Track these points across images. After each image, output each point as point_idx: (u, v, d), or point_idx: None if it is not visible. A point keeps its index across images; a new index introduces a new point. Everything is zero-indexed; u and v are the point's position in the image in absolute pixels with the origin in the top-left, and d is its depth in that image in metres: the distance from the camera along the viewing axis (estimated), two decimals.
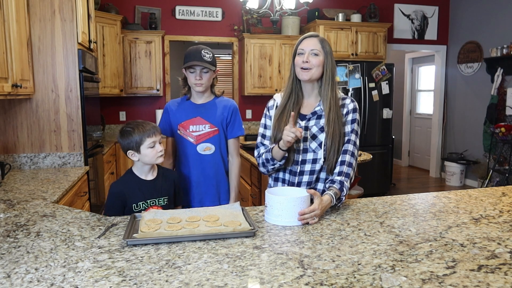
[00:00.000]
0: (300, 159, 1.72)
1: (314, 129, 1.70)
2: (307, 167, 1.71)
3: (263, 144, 1.80)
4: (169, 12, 5.41)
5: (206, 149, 2.09)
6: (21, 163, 2.74)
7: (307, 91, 1.75)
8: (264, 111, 1.84)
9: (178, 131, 2.11)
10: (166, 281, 1.01)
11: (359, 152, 1.74)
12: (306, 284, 0.99)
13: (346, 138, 1.69)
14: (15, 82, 2.25)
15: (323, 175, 1.73)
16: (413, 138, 7.63)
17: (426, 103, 7.31)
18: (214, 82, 2.13)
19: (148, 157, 1.76)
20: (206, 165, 2.10)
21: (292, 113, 1.60)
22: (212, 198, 2.13)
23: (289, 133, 1.56)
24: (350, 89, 5.25)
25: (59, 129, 2.79)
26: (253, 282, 1.01)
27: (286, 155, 1.69)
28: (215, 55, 2.12)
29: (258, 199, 3.27)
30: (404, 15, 6.23)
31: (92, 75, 3.25)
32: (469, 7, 6.04)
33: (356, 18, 5.57)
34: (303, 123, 1.72)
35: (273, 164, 1.73)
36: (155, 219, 1.44)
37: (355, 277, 1.03)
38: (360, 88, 5.28)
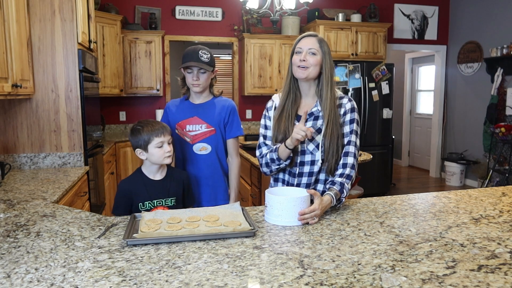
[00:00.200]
0: (298, 161, 1.72)
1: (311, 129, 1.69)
2: (306, 168, 1.71)
3: (266, 145, 1.80)
4: (169, 12, 5.41)
5: (202, 149, 2.09)
6: (21, 163, 2.74)
7: (304, 90, 1.75)
8: (264, 112, 1.84)
9: (176, 131, 2.12)
10: (166, 281, 1.01)
11: (359, 152, 1.73)
12: (306, 284, 0.99)
13: (346, 139, 1.68)
14: (15, 82, 2.25)
15: (322, 176, 1.72)
16: (413, 138, 7.63)
17: (426, 103, 7.31)
18: (213, 82, 2.13)
19: (155, 156, 1.76)
20: (202, 165, 2.10)
21: (305, 111, 1.64)
22: (208, 198, 2.13)
23: (300, 131, 1.57)
24: (350, 89, 5.25)
25: (59, 129, 2.79)
26: (253, 282, 1.01)
27: (291, 154, 1.68)
28: (215, 55, 2.12)
29: (258, 199, 3.27)
30: (404, 15, 6.23)
31: (92, 75, 3.25)
32: (469, 7, 6.04)
33: (356, 18, 5.57)
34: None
35: (279, 164, 1.71)
36: (155, 219, 1.44)
37: (355, 277, 1.03)
38: (360, 88, 5.28)
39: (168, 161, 1.78)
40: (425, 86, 7.35)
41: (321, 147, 1.67)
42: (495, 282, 1.00)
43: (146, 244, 1.26)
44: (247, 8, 4.37)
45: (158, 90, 5.19)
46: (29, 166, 2.76)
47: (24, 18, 2.50)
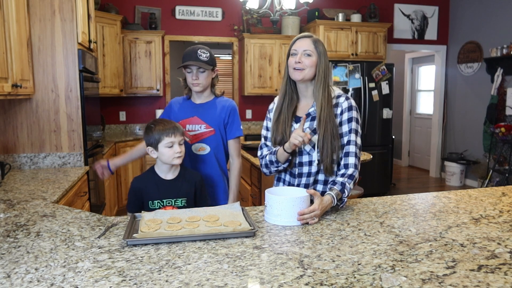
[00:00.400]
0: (297, 161, 1.72)
1: (308, 131, 1.69)
2: (304, 169, 1.71)
3: (267, 146, 1.82)
4: (169, 12, 5.42)
5: (200, 149, 2.09)
6: (21, 163, 2.74)
7: (301, 91, 1.75)
8: (266, 114, 1.87)
9: None
10: (166, 281, 1.01)
11: (361, 151, 1.72)
12: (306, 284, 0.99)
13: (346, 139, 1.67)
14: (15, 82, 2.25)
15: (321, 177, 1.72)
16: (413, 138, 7.63)
17: (426, 103, 7.31)
18: (214, 82, 2.13)
19: (164, 156, 1.76)
20: (200, 165, 2.10)
21: (304, 116, 1.64)
22: None
23: (297, 136, 1.58)
24: (350, 89, 5.25)
25: (59, 129, 2.79)
26: (253, 282, 1.01)
27: (290, 158, 1.70)
28: (215, 55, 2.11)
29: (258, 199, 3.27)
30: (404, 15, 6.23)
31: (92, 75, 3.25)
32: (469, 7, 6.04)
33: (356, 18, 5.57)
34: (296, 125, 1.72)
35: (277, 167, 1.74)
36: (155, 219, 1.44)
37: (355, 277, 1.03)
38: (360, 88, 5.28)
39: (177, 161, 1.76)
40: (425, 86, 7.35)
41: (317, 147, 1.67)
42: (495, 282, 1.00)
43: (146, 244, 1.26)
44: (247, 8, 4.37)
45: (158, 90, 5.19)
46: (29, 166, 2.76)
47: (24, 18, 2.50)
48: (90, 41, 3.23)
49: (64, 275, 1.05)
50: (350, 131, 1.67)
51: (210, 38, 5.57)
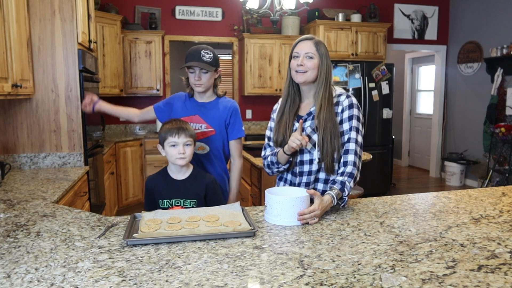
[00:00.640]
0: (298, 160, 1.73)
1: (309, 130, 1.70)
2: (305, 168, 1.72)
3: (270, 146, 1.85)
4: (169, 12, 5.41)
5: (199, 148, 2.09)
6: (21, 163, 2.74)
7: (304, 93, 1.77)
8: (271, 114, 1.89)
9: None
10: (166, 281, 1.01)
11: (362, 148, 1.72)
12: (306, 284, 0.99)
13: (346, 136, 1.67)
14: (15, 82, 2.25)
15: (322, 175, 1.72)
16: (413, 138, 7.63)
17: (426, 103, 7.31)
18: (217, 82, 2.12)
19: (168, 155, 1.78)
20: (198, 164, 2.10)
21: (301, 121, 1.65)
22: None
23: (295, 139, 1.60)
24: (350, 89, 5.25)
25: (59, 129, 2.79)
26: (253, 282, 1.01)
27: (291, 159, 1.72)
28: None
29: (258, 199, 3.27)
30: (404, 15, 6.23)
31: (92, 75, 3.25)
32: (469, 7, 6.04)
33: (356, 18, 5.57)
34: (297, 124, 1.72)
35: (278, 168, 1.78)
36: (155, 219, 1.44)
37: (355, 277, 1.03)
38: (360, 88, 5.28)
39: (180, 162, 1.76)
40: (425, 86, 7.35)
41: (318, 146, 1.67)
42: (495, 282, 1.00)
43: (146, 244, 1.26)
44: (247, 8, 4.37)
45: (158, 90, 5.19)
46: (29, 166, 2.76)
47: (24, 18, 2.50)
48: (90, 41, 3.23)
49: (64, 275, 1.05)
50: (350, 129, 1.67)
51: (210, 38, 5.57)
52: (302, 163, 1.72)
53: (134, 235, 1.30)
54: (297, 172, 1.74)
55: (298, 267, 1.09)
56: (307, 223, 1.45)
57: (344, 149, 1.67)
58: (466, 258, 1.15)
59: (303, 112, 1.75)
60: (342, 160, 1.66)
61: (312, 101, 1.75)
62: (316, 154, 1.69)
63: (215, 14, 5.53)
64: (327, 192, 1.57)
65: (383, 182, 5.57)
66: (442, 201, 1.78)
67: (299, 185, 1.73)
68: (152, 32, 5.13)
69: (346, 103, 1.70)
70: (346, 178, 1.60)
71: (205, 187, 1.82)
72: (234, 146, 2.16)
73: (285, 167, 1.75)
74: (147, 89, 5.16)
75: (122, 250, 1.22)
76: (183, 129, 1.77)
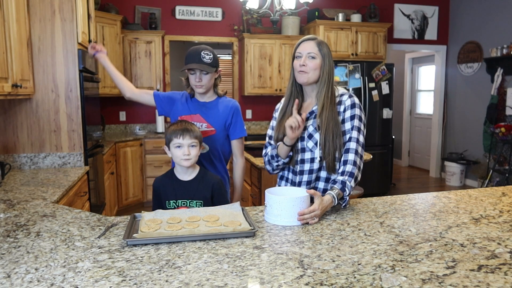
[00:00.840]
0: (299, 159, 1.73)
1: (311, 129, 1.71)
2: (306, 166, 1.72)
3: (271, 144, 1.85)
4: (169, 12, 5.41)
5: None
6: (21, 163, 2.74)
7: (307, 93, 1.78)
8: (273, 113, 1.90)
9: None
10: (166, 281, 1.01)
11: (363, 148, 1.72)
12: (306, 284, 0.99)
13: (348, 136, 1.68)
14: (15, 82, 2.25)
15: (323, 174, 1.73)
16: (413, 138, 7.63)
17: (426, 103, 7.30)
18: (217, 82, 2.12)
19: (173, 156, 1.78)
20: (198, 163, 2.10)
21: (296, 100, 1.68)
22: None
23: (293, 119, 1.61)
24: (350, 89, 5.25)
25: (59, 129, 2.79)
26: (253, 282, 1.01)
27: (291, 154, 1.72)
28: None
29: (258, 199, 3.27)
30: (404, 15, 6.23)
31: (92, 75, 3.25)
32: (469, 7, 6.04)
33: (356, 18, 5.57)
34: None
35: (277, 161, 1.76)
36: (155, 219, 1.44)
37: (355, 277, 1.03)
38: (360, 88, 5.28)
39: (185, 163, 1.76)
40: (425, 86, 7.35)
41: (319, 144, 1.67)
42: (495, 282, 1.00)
43: (146, 244, 1.26)
44: (247, 8, 4.37)
45: (158, 90, 5.19)
46: (29, 166, 2.76)
47: (24, 18, 2.50)
48: (90, 41, 3.23)
49: (64, 275, 1.05)
50: (352, 128, 1.68)
51: (210, 38, 5.57)
52: (303, 161, 1.73)
53: (134, 235, 1.30)
54: (298, 170, 1.74)
55: (298, 267, 1.09)
56: (307, 223, 1.45)
57: (345, 148, 1.67)
58: (466, 258, 1.15)
59: (305, 111, 1.76)
60: (342, 159, 1.67)
61: (314, 101, 1.76)
62: (317, 153, 1.69)
63: (215, 14, 5.53)
64: (328, 192, 1.57)
65: (383, 182, 5.57)
66: (442, 201, 1.78)
67: (300, 183, 1.74)
68: (152, 32, 5.13)
69: (348, 102, 1.70)
70: (346, 177, 1.60)
71: (211, 188, 1.82)
72: (236, 146, 2.17)
73: (285, 161, 1.74)
74: (147, 89, 5.15)
75: (122, 250, 1.22)
76: (188, 130, 1.77)
